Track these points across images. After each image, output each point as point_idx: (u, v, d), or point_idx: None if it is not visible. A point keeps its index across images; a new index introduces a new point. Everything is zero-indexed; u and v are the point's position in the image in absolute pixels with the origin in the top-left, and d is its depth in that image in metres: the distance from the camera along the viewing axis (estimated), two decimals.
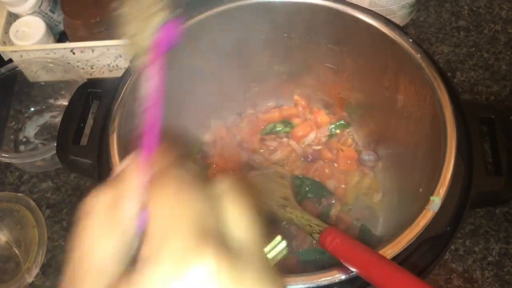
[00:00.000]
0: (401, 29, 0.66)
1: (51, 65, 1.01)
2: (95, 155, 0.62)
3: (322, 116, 0.88)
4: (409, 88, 0.68)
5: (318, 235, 0.59)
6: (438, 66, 0.63)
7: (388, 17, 0.68)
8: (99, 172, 0.59)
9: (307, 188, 0.80)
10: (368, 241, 0.78)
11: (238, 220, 0.28)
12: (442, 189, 0.56)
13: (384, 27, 0.67)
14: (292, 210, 0.69)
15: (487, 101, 1.02)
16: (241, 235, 0.28)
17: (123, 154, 0.62)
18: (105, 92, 0.67)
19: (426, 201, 0.61)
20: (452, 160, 0.58)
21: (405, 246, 0.53)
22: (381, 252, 0.53)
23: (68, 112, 0.66)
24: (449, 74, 1.08)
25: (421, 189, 0.65)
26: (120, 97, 0.64)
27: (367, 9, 0.68)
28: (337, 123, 0.88)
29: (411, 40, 0.65)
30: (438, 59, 1.10)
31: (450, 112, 0.60)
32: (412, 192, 0.69)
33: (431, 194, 0.59)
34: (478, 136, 0.61)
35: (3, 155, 0.90)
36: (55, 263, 0.89)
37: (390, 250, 0.53)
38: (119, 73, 1.07)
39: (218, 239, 0.26)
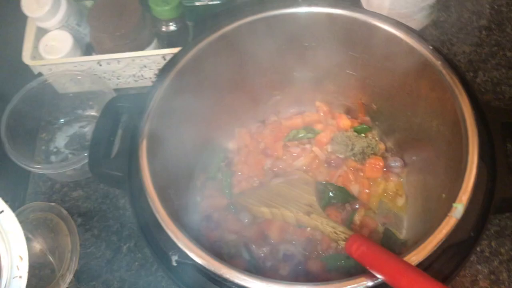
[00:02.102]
0: (422, 37, 0.66)
1: (79, 77, 1.04)
2: (126, 167, 0.64)
3: (344, 121, 0.89)
4: (431, 95, 0.69)
5: (344, 242, 0.60)
6: (459, 72, 0.64)
7: (408, 19, 0.69)
8: (130, 183, 0.62)
9: (330, 194, 0.81)
10: (393, 244, 0.78)
11: None
12: (464, 196, 0.56)
13: (405, 35, 0.68)
14: (317, 217, 0.70)
15: (510, 101, 1.02)
16: None
17: (152, 166, 0.64)
18: (133, 106, 0.69)
19: (449, 207, 0.62)
20: (474, 166, 0.58)
21: (429, 253, 0.54)
22: (405, 259, 0.54)
23: (98, 127, 0.68)
24: (471, 74, 1.07)
25: (444, 195, 0.66)
26: (148, 111, 0.66)
27: (387, 17, 0.69)
28: (359, 127, 0.89)
29: (431, 47, 0.66)
30: (460, 59, 1.10)
31: (471, 118, 0.61)
32: (435, 197, 0.70)
33: (454, 201, 0.60)
34: (500, 141, 0.62)
35: (36, 166, 0.93)
36: (87, 270, 0.92)
37: (415, 257, 0.54)
38: (144, 83, 1.10)
39: None
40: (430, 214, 0.72)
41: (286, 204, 0.75)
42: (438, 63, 0.65)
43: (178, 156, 0.75)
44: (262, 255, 0.78)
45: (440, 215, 0.64)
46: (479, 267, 0.83)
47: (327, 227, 0.68)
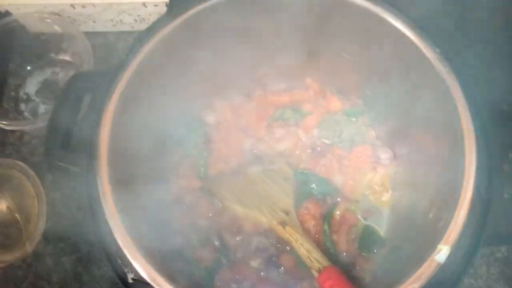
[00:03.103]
0: (430, 38, 0.57)
1: (48, 20, 0.94)
2: (84, 161, 0.57)
3: (335, 102, 0.82)
4: (430, 102, 0.62)
5: (317, 273, 0.56)
6: (465, 87, 0.56)
7: None
8: (87, 182, 0.56)
9: (312, 185, 0.76)
10: (372, 243, 0.75)
11: None
12: (452, 236, 0.51)
13: (411, 33, 0.59)
14: (292, 231, 0.65)
15: None
16: None
17: (113, 162, 0.58)
18: (97, 87, 0.62)
19: (433, 230, 0.57)
20: (468, 199, 0.53)
21: None
22: None
23: (57, 110, 0.60)
24: (480, 48, 0.98)
25: (431, 215, 0.61)
26: (112, 96, 0.58)
27: (392, 8, 0.59)
28: (350, 109, 0.82)
29: (438, 50, 0.57)
30: (470, 26, 0.99)
31: (472, 146, 0.54)
32: (422, 211, 0.65)
33: (440, 228, 0.55)
34: (500, 168, 0.55)
35: (3, 122, 0.87)
36: (56, 230, 0.88)
37: None
38: (123, 28, 1.01)
39: None
40: (415, 224, 0.67)
41: (261, 205, 0.70)
42: (444, 70, 0.57)
43: (151, 134, 0.69)
44: (234, 244, 0.74)
45: (425, 234, 0.60)
46: None
47: (301, 247, 0.63)
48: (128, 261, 0.52)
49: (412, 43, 0.59)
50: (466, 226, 0.52)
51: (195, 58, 0.71)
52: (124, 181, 0.58)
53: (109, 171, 0.55)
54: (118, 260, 0.52)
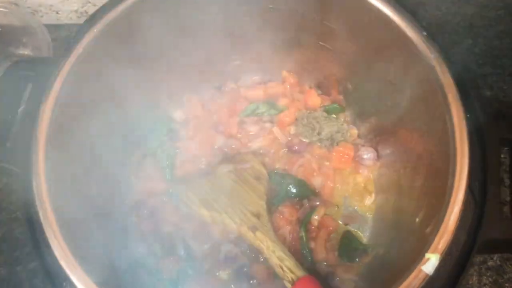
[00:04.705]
0: (416, 20, 0.51)
1: (4, 10, 0.87)
2: (24, 159, 0.50)
3: (314, 97, 0.75)
4: (417, 91, 0.55)
5: (290, 284, 0.49)
6: (456, 71, 0.50)
7: None
8: (25, 184, 0.48)
9: (288, 188, 0.69)
10: (353, 250, 0.68)
11: None
12: (441, 243, 0.44)
13: (394, 14, 0.53)
14: (264, 237, 0.58)
15: (510, 76, 0.88)
16: None
17: (55, 161, 0.50)
18: (40, 75, 0.54)
19: (421, 236, 0.51)
20: (459, 202, 0.46)
21: None
22: None
23: None
24: (469, 42, 0.93)
25: (417, 219, 0.54)
26: (54, 85, 0.51)
27: None
28: (330, 106, 0.75)
29: (425, 33, 0.51)
30: (459, 21, 0.94)
31: (464, 136, 0.47)
32: (408, 214, 0.58)
33: (428, 232, 0.48)
34: (496, 168, 0.49)
35: None
36: (10, 238, 0.80)
37: None
38: None
39: None
40: (400, 229, 0.61)
41: (230, 208, 0.63)
42: (431, 56, 0.50)
43: (103, 130, 0.61)
44: (201, 253, 0.67)
45: (411, 242, 0.54)
46: None
47: (273, 255, 0.56)
48: (66, 275, 0.44)
49: (397, 26, 0.53)
50: (457, 231, 0.46)
51: (157, 44, 0.64)
52: (69, 183, 0.51)
53: (48, 168, 0.48)
54: (56, 273, 0.45)
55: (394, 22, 0.53)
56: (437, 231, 0.45)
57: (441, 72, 0.50)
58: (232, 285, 0.66)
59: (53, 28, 0.94)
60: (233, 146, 0.73)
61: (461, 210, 0.46)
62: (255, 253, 0.66)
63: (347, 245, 0.69)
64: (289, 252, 0.59)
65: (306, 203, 0.69)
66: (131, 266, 0.64)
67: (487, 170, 0.49)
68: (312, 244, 0.67)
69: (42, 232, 0.45)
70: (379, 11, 0.54)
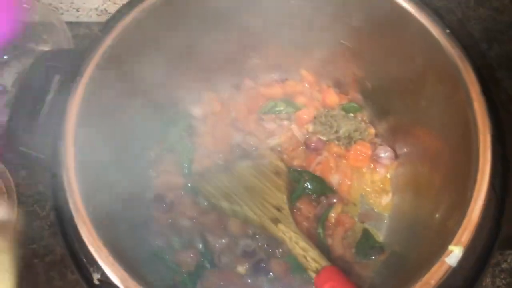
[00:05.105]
0: (439, 15, 0.52)
1: (25, 5, 0.88)
2: (50, 148, 0.51)
3: (332, 96, 0.76)
4: (438, 89, 0.55)
5: (314, 274, 0.50)
6: (479, 69, 0.50)
7: None
8: (52, 174, 0.49)
9: (306, 184, 0.70)
10: (370, 248, 0.68)
11: None
12: (465, 236, 0.45)
13: (417, 11, 0.53)
14: (286, 229, 0.59)
15: None
16: None
17: (82, 150, 0.51)
18: (68, 66, 0.55)
19: (442, 231, 0.51)
20: (482, 197, 0.46)
21: None
22: None
23: (22, 91, 0.54)
24: (484, 46, 0.93)
25: (437, 215, 0.55)
26: (82, 77, 0.52)
27: None
28: (348, 105, 0.76)
29: (448, 31, 0.51)
30: (474, 25, 0.95)
31: (487, 134, 0.48)
32: (427, 211, 0.59)
33: (449, 227, 0.48)
34: None
35: None
36: (28, 231, 0.81)
37: None
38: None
39: None
40: (418, 227, 0.61)
41: (251, 201, 0.63)
42: (454, 52, 0.51)
43: (126, 123, 0.62)
44: (219, 247, 0.67)
45: (431, 239, 0.54)
46: None
47: (296, 246, 0.57)
48: (94, 259, 0.45)
49: (419, 23, 0.53)
50: (479, 226, 0.46)
51: (179, 43, 0.65)
52: (94, 172, 0.51)
53: (76, 158, 0.49)
54: (83, 258, 0.46)
55: (417, 19, 0.54)
56: (460, 224, 0.45)
57: (464, 68, 0.50)
58: (249, 280, 0.66)
59: (72, 25, 0.96)
60: (251, 143, 0.74)
61: (484, 204, 0.46)
62: (273, 248, 0.67)
63: (364, 243, 0.69)
64: (310, 241, 0.59)
65: (323, 200, 0.70)
66: (151, 259, 0.65)
67: (508, 167, 0.49)
68: (329, 241, 0.68)
69: (72, 219, 0.46)
70: (402, 8, 0.55)
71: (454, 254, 0.44)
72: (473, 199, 0.46)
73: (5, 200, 0.81)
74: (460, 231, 0.45)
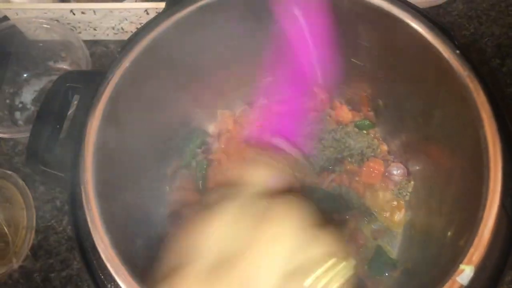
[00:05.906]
0: (450, 37, 0.52)
1: (46, 25, 0.91)
2: (68, 168, 0.52)
3: (345, 113, 0.76)
4: (449, 108, 0.56)
5: None
6: (490, 90, 0.51)
7: None
8: (71, 191, 0.51)
9: (318, 201, 0.70)
10: (383, 264, 0.69)
11: None
12: (476, 255, 0.45)
13: (428, 32, 0.54)
14: None
15: None
16: None
17: (101, 168, 0.52)
18: (87, 87, 0.57)
19: (453, 249, 0.51)
20: (493, 216, 0.47)
21: None
22: None
23: (43, 110, 0.56)
24: (497, 61, 0.93)
25: (449, 233, 0.55)
26: (101, 98, 0.54)
27: (408, 5, 0.54)
28: (361, 122, 0.77)
29: (458, 52, 0.52)
30: (487, 41, 0.95)
31: (498, 154, 0.48)
32: (439, 228, 0.59)
33: (461, 246, 0.49)
34: None
35: None
36: (46, 245, 0.83)
37: None
38: (125, 36, 0.97)
39: None
40: (430, 243, 0.61)
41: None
42: (464, 73, 0.52)
43: (143, 142, 0.64)
44: None
45: (443, 256, 0.54)
46: None
47: None
48: (112, 276, 0.46)
49: (430, 44, 0.54)
50: (490, 246, 0.46)
51: (195, 62, 0.67)
52: (112, 189, 0.53)
53: (95, 176, 0.50)
54: (100, 274, 0.47)
55: (427, 40, 0.55)
56: (471, 244, 0.46)
57: (475, 89, 0.51)
58: None
59: (90, 43, 0.98)
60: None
61: (495, 224, 0.47)
62: None
63: (377, 259, 0.69)
64: None
65: (336, 217, 0.70)
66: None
67: None
68: None
69: (89, 236, 0.47)
70: (412, 29, 0.56)
71: (466, 273, 0.44)
72: (483, 218, 0.47)
73: (24, 217, 0.83)
74: (471, 250, 0.46)
